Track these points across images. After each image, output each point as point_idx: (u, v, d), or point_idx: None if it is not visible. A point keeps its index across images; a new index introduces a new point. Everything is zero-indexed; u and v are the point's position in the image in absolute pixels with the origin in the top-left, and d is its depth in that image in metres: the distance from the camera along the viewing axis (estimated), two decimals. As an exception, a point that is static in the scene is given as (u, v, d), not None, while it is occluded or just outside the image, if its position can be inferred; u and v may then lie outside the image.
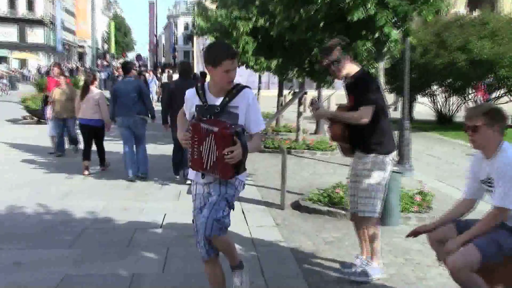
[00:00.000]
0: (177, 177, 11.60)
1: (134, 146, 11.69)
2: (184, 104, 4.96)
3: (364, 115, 5.74)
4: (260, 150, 4.41)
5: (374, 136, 5.89)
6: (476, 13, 23.62)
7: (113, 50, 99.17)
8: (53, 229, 7.87)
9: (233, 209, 4.78)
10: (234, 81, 4.72)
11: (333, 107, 29.86)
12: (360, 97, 5.80)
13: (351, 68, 5.97)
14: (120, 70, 28.57)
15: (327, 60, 5.94)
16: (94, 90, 12.20)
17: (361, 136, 5.91)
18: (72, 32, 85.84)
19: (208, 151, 4.52)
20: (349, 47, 9.13)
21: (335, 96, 32.12)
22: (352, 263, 6.27)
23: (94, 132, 12.18)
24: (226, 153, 4.37)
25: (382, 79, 8.78)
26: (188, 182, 10.40)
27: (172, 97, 10.86)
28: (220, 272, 4.97)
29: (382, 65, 8.77)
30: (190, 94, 4.85)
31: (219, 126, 4.44)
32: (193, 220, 4.90)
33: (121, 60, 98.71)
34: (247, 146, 4.48)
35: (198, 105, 4.74)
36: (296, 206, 9.18)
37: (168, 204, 9.35)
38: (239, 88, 4.69)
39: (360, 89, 5.83)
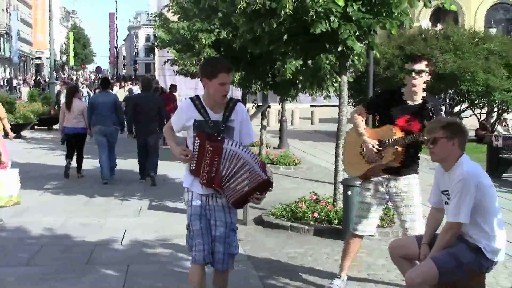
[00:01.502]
0: (143, 180, 12.65)
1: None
2: (174, 117, 4.96)
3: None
4: None
5: (418, 156, 5.82)
6: (439, 27, 23.91)
7: (72, 62, 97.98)
8: (9, 247, 7.63)
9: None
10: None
11: (297, 121, 29.73)
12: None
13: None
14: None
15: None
16: (77, 101, 13.24)
17: (413, 156, 5.76)
18: (29, 43, 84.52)
19: (235, 174, 4.61)
20: (312, 61, 9.23)
21: (299, 109, 32.37)
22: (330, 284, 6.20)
23: (78, 139, 13.11)
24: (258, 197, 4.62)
25: (345, 93, 8.75)
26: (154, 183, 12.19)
27: (137, 109, 12.42)
28: (205, 280, 4.97)
29: (345, 79, 8.74)
30: (187, 107, 4.84)
31: (264, 171, 4.59)
32: (187, 226, 4.88)
33: (80, 72, 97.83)
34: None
35: (199, 121, 4.75)
36: (259, 221, 9.09)
37: (129, 220, 9.17)
38: (234, 102, 4.80)
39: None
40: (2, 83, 56.42)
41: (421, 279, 4.51)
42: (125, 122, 13.24)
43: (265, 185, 4.59)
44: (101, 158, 12.62)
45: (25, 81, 52.28)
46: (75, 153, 13.21)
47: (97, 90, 19.94)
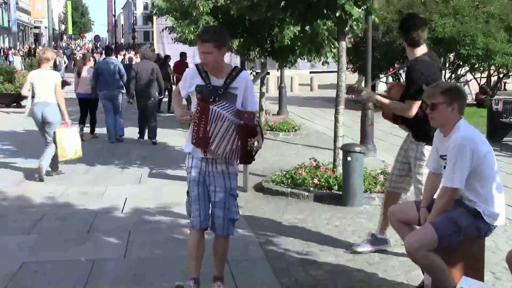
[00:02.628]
0: (141, 139, 14.00)
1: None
2: (181, 82, 5.05)
3: (407, 108, 5.63)
4: None
5: (426, 125, 5.60)
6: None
7: (70, 31, 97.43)
8: (10, 216, 7.67)
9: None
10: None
11: (296, 88, 29.82)
12: (406, 90, 5.67)
13: (417, 51, 5.73)
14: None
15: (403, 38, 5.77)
16: (88, 68, 14.31)
17: (414, 123, 5.74)
18: (27, 12, 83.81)
19: (222, 136, 4.65)
20: (310, 26, 9.17)
21: (298, 76, 32.31)
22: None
23: (91, 104, 14.36)
24: (252, 143, 4.68)
25: (344, 59, 8.71)
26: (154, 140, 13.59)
27: (137, 76, 13.64)
28: (203, 246, 5.03)
29: (344, 45, 8.68)
30: (191, 73, 4.95)
31: (240, 118, 4.63)
32: (187, 192, 4.96)
33: (79, 41, 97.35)
34: (263, 134, 4.75)
35: (200, 85, 4.83)
36: (259, 188, 9.11)
37: (129, 188, 9.20)
38: (238, 70, 4.86)
39: (409, 78, 5.66)
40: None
41: (420, 244, 4.52)
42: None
43: (247, 130, 4.64)
44: (107, 121, 13.92)
45: (17, 50, 51.72)
46: (89, 117, 14.42)
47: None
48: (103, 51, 17.33)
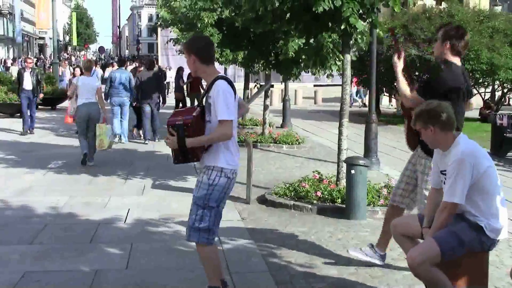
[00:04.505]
0: (147, 143, 15.50)
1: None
2: None
3: (409, 99, 5.63)
4: (226, 139, 4.55)
5: None
6: (443, 5, 23.77)
7: (75, 42, 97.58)
8: (13, 226, 7.65)
9: (213, 207, 4.89)
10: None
11: (300, 101, 29.80)
12: (422, 85, 5.59)
13: (444, 52, 5.64)
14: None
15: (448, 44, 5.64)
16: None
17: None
18: (32, 23, 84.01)
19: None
20: (315, 39, 9.19)
21: (302, 89, 32.33)
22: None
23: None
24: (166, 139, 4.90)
25: (349, 72, 8.72)
26: (146, 142, 15.51)
27: (141, 83, 15.62)
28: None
29: (348, 58, 8.69)
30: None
31: (172, 116, 4.90)
32: None
33: (83, 52, 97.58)
34: (184, 140, 4.75)
35: None
36: (262, 200, 9.10)
37: (132, 198, 9.19)
38: (215, 79, 4.87)
39: (426, 78, 5.62)
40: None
41: (422, 259, 4.49)
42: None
43: (167, 127, 4.89)
44: (113, 123, 14.96)
45: (14, 60, 51.79)
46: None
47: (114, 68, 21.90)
48: (117, 62, 20.16)
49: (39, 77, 17.50)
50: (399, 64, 5.87)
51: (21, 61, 45.17)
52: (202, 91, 18.89)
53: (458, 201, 4.50)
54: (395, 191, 6.22)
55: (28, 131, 16.75)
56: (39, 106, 23.05)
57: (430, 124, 4.63)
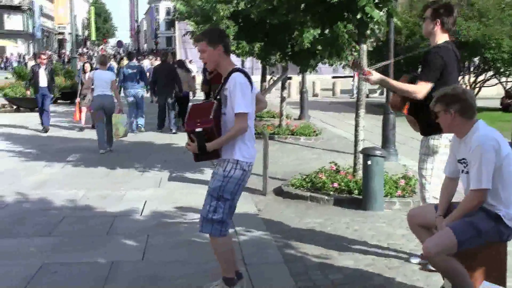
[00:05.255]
0: (159, 131, 16.46)
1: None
2: None
3: (418, 90, 5.53)
4: (243, 133, 4.60)
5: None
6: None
7: (93, 37, 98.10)
8: (31, 218, 7.70)
9: (227, 199, 4.90)
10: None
11: (318, 92, 29.70)
12: (421, 71, 5.60)
13: (438, 37, 5.68)
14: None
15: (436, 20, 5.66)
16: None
17: (421, 114, 5.63)
18: (51, 18, 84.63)
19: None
20: (330, 30, 9.13)
21: (320, 80, 32.23)
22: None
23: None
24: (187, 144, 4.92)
25: (364, 62, 8.64)
26: (173, 131, 16.21)
27: (157, 76, 16.77)
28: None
29: (365, 48, 8.62)
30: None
31: (190, 119, 4.89)
32: None
33: (102, 47, 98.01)
34: (205, 146, 4.78)
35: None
36: (279, 192, 9.07)
37: (149, 191, 9.21)
38: (232, 71, 4.86)
39: (425, 62, 5.59)
40: (19, 59, 56.43)
41: (439, 249, 4.43)
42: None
43: (186, 133, 4.92)
44: (130, 115, 16.24)
45: (34, 56, 52.28)
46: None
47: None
48: (127, 56, 21.16)
49: (53, 74, 17.26)
50: (376, 77, 5.78)
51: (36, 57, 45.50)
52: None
53: (486, 186, 4.41)
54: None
55: (43, 129, 16.34)
56: (58, 101, 23.27)
57: (452, 107, 4.57)
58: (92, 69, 16.63)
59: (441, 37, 5.68)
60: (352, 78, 30.72)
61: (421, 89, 5.53)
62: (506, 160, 4.45)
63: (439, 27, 5.65)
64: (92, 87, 13.22)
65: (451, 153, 4.89)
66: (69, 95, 23.83)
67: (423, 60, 5.69)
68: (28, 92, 18.25)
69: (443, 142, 5.59)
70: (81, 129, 16.51)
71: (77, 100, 16.87)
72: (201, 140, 4.75)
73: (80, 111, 16.69)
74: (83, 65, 17.88)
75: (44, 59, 16.91)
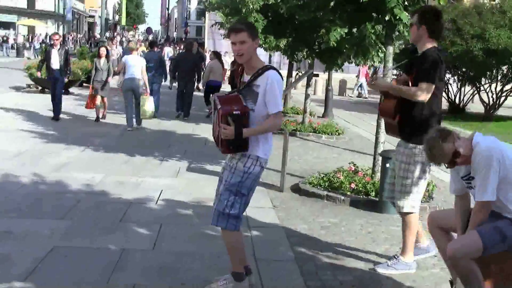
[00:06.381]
0: (177, 113, 17.33)
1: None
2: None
3: (421, 91, 5.47)
4: (276, 129, 4.65)
5: (420, 125, 5.60)
6: (496, 1, 23.19)
7: (123, 22, 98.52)
8: (46, 200, 7.74)
9: (244, 194, 4.90)
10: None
11: (344, 91, 29.50)
12: (422, 73, 5.52)
13: (427, 42, 5.65)
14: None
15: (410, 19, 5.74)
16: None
17: (408, 120, 5.67)
18: (82, 0, 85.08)
19: (216, 124, 4.88)
20: (357, 29, 9.06)
21: (347, 79, 32.02)
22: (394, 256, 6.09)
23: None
24: (220, 129, 4.69)
25: (390, 64, 8.56)
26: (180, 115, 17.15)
27: (179, 63, 17.70)
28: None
29: (391, 50, 8.52)
30: (239, 70, 5.14)
31: (225, 104, 4.72)
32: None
33: (132, 32, 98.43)
34: (242, 131, 4.67)
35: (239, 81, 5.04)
36: (296, 189, 9.03)
37: (166, 180, 9.21)
38: (265, 69, 4.80)
39: (425, 64, 5.52)
40: (44, 39, 56.46)
41: (464, 251, 4.40)
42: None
43: (220, 116, 4.71)
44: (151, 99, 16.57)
45: (63, 37, 52.51)
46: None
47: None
48: (149, 44, 21.93)
49: (67, 55, 15.59)
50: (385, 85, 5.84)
51: (68, 39, 45.66)
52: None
53: (489, 198, 4.37)
54: (385, 186, 6.36)
55: (54, 117, 15.15)
56: (84, 84, 23.39)
57: (452, 142, 4.45)
58: (108, 53, 16.45)
59: (429, 43, 5.63)
60: (356, 78, 30.60)
61: (426, 90, 5.49)
62: None
63: (426, 32, 5.59)
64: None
65: (453, 171, 4.79)
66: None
67: (422, 62, 5.57)
68: (39, 74, 17.55)
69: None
70: (97, 119, 15.54)
71: (90, 87, 16.18)
72: (239, 124, 4.65)
73: (94, 99, 15.66)
74: (98, 49, 16.78)
75: (57, 39, 15.67)
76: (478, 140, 4.48)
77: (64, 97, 16.21)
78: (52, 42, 15.84)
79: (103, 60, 15.66)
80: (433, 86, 5.49)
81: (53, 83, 15.29)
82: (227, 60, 29.75)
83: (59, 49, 15.31)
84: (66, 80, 16.52)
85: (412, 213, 5.76)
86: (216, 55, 18.87)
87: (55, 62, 15.17)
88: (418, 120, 5.62)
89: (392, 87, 5.74)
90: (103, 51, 16.02)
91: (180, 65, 17.47)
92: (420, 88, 5.49)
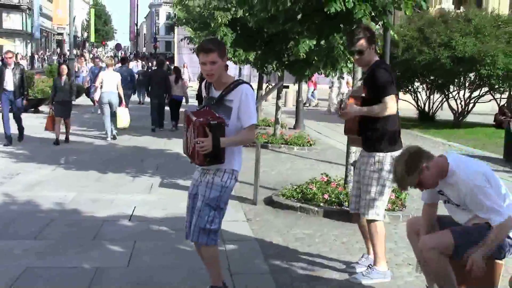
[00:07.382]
0: (153, 131, 17.71)
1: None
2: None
3: (388, 106, 5.60)
4: (252, 142, 4.68)
5: (382, 133, 5.74)
6: (461, 9, 23.55)
7: (92, 39, 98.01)
8: (18, 220, 7.65)
9: (222, 208, 4.91)
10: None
11: (314, 102, 29.56)
12: (382, 89, 5.63)
13: (373, 57, 5.81)
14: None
15: (352, 49, 5.83)
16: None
17: (370, 132, 5.79)
18: (50, 18, 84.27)
19: (190, 138, 4.76)
20: (326, 40, 9.13)
21: (317, 91, 32.18)
22: (357, 262, 6.16)
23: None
24: (197, 142, 4.55)
25: (359, 74, 8.63)
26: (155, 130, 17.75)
27: (152, 78, 18.74)
28: (201, 256, 5.09)
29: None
30: (203, 85, 5.12)
31: (199, 117, 4.64)
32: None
33: (100, 49, 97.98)
34: (219, 140, 4.58)
35: (205, 96, 5.01)
36: (269, 201, 9.04)
37: (139, 196, 9.17)
38: (237, 83, 4.80)
39: (381, 79, 5.64)
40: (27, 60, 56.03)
41: (435, 244, 4.49)
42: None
43: (196, 128, 4.58)
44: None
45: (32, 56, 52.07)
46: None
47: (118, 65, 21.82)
48: (120, 60, 23.17)
49: (23, 75, 14.21)
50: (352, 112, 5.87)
51: (35, 57, 45.21)
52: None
53: (506, 215, 4.40)
54: (350, 199, 6.32)
55: (6, 143, 13.80)
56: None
57: (417, 170, 4.54)
58: (69, 71, 15.63)
59: (374, 57, 5.85)
60: (308, 89, 30.85)
61: (392, 104, 5.63)
62: (493, 181, 4.48)
63: (374, 51, 5.84)
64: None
65: None
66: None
67: (375, 78, 5.70)
68: None
69: (388, 159, 5.74)
70: (57, 142, 14.28)
71: (49, 107, 15.40)
72: (216, 134, 4.56)
73: (52, 119, 14.67)
74: (59, 67, 15.35)
75: (10, 57, 14.20)
76: (454, 168, 4.58)
77: (33, 115, 16.16)
78: (5, 62, 14.24)
79: (64, 78, 14.54)
80: (395, 95, 5.66)
81: (10, 106, 14.12)
82: (185, 72, 30.38)
83: (13, 68, 14.01)
84: (24, 102, 14.53)
85: (376, 220, 5.81)
86: (176, 71, 20.03)
87: (10, 82, 13.92)
88: (379, 129, 5.73)
89: (363, 111, 5.79)
90: (63, 69, 14.85)
91: (154, 80, 18.51)
92: (386, 104, 5.61)
